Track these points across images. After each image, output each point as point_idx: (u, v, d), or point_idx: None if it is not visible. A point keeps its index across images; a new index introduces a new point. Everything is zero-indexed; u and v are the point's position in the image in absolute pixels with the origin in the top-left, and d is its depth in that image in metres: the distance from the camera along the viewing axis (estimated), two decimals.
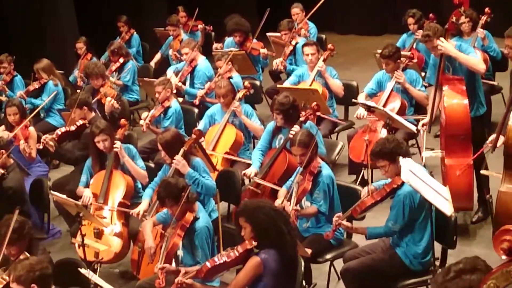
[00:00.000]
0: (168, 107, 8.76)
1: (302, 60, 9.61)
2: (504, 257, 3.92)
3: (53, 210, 7.83)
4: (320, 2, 11.16)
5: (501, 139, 6.43)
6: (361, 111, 8.24)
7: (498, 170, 6.46)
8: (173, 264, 5.90)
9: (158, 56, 12.42)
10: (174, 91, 9.31)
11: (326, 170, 6.41)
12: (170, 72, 10.41)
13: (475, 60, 7.26)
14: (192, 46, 10.06)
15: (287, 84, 9.32)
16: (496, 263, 4.21)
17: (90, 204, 7.21)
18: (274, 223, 5.12)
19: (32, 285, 4.90)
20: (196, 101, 9.52)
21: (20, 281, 4.92)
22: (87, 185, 7.46)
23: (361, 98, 8.54)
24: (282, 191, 6.75)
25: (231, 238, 5.88)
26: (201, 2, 12.73)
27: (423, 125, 7.57)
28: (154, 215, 6.60)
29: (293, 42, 10.54)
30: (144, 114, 8.97)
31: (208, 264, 5.21)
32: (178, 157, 6.82)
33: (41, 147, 8.08)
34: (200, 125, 8.55)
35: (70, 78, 11.61)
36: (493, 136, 6.59)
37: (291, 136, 7.14)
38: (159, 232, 6.37)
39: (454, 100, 6.97)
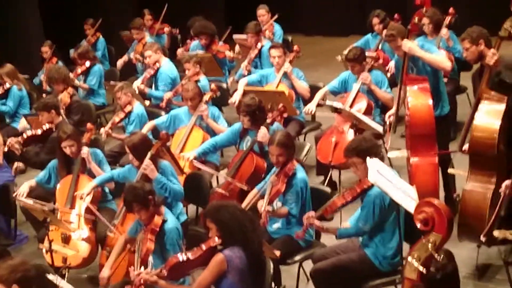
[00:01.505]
0: (130, 112, 8.73)
1: (268, 63, 9.62)
2: (419, 225, 4.07)
3: (20, 216, 7.77)
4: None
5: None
6: (310, 107, 8.31)
7: (464, 169, 6.53)
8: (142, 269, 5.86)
9: (123, 58, 12.34)
10: (137, 92, 9.30)
11: (301, 173, 6.42)
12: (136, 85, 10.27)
13: (440, 58, 7.34)
14: (154, 49, 10.02)
15: (245, 80, 9.37)
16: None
17: (56, 210, 7.17)
18: (238, 221, 5.13)
19: (14, 285, 4.86)
20: (163, 104, 9.51)
21: (1, 280, 4.89)
22: (42, 182, 7.46)
23: (318, 94, 8.60)
24: (253, 192, 6.76)
25: (200, 241, 5.86)
26: (167, 5, 12.70)
27: (389, 116, 7.70)
28: (124, 221, 6.59)
29: (259, 45, 10.54)
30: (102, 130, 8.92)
31: (171, 260, 5.20)
32: (147, 162, 6.80)
33: (6, 149, 8.01)
34: (158, 120, 8.57)
35: (35, 82, 11.53)
36: (466, 146, 6.65)
37: (258, 139, 7.17)
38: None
39: (418, 100, 7.02)
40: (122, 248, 6.33)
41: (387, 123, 7.75)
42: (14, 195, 7.26)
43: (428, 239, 3.95)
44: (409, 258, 3.94)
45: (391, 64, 9.20)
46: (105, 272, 6.17)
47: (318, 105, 8.48)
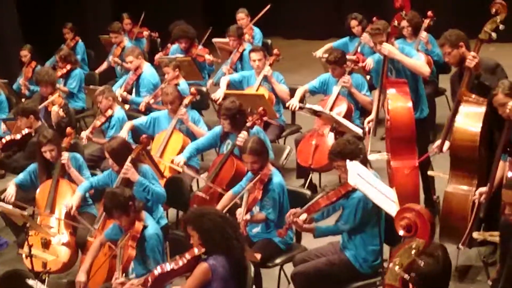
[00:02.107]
0: (111, 116, 8.70)
1: (249, 67, 9.62)
2: (402, 232, 4.06)
3: None
4: (265, 9, 11.21)
5: (447, 144, 6.54)
6: (293, 102, 8.35)
7: (444, 170, 6.56)
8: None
9: (104, 65, 12.30)
10: (120, 99, 9.27)
11: (277, 178, 6.41)
12: (116, 89, 10.20)
13: (419, 63, 7.37)
14: (136, 54, 10.00)
15: (226, 79, 9.38)
16: None
17: (36, 214, 7.13)
18: (220, 229, 5.13)
19: None
20: (142, 108, 9.49)
21: None
22: (22, 184, 7.41)
23: (299, 92, 8.63)
24: (228, 195, 6.75)
25: (180, 245, 5.86)
26: (146, 9, 12.68)
27: (368, 122, 7.72)
28: (103, 226, 6.56)
29: (240, 49, 10.54)
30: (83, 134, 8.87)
31: (155, 271, 5.20)
32: (127, 166, 6.78)
33: None
34: (138, 120, 8.55)
35: (14, 86, 11.47)
36: (438, 142, 6.70)
37: (238, 142, 7.16)
38: (107, 247, 6.33)
39: (398, 103, 7.06)
40: (97, 250, 6.31)
41: (366, 128, 7.77)
42: (2, 197, 7.19)
43: (411, 245, 3.94)
44: (391, 265, 3.93)
45: (368, 61, 9.22)
46: (81, 277, 6.14)
47: (299, 108, 8.48)
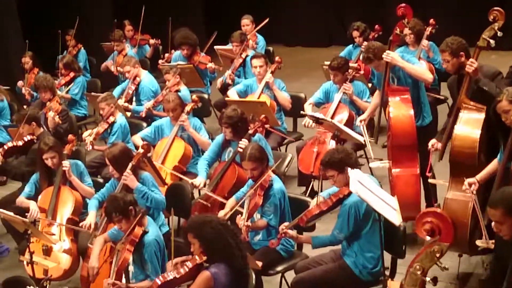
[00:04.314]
0: (113, 123, 8.70)
1: (252, 73, 9.64)
2: (428, 238, 4.04)
3: (1, 228, 7.72)
4: (264, 22, 11.23)
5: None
6: (308, 120, 8.32)
7: (445, 178, 6.56)
8: (123, 280, 5.85)
9: (107, 63, 12.30)
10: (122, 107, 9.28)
11: (278, 184, 6.43)
12: (116, 93, 10.21)
13: (422, 70, 7.39)
14: (132, 63, 9.97)
15: (234, 91, 9.36)
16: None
17: (38, 220, 7.13)
18: (221, 237, 5.15)
19: None
20: (143, 114, 9.50)
21: None
22: (30, 197, 7.38)
23: (307, 107, 8.62)
24: (231, 201, 6.76)
25: (180, 253, 5.86)
26: (149, 16, 12.70)
27: (360, 121, 7.87)
28: (105, 232, 6.55)
29: (243, 55, 10.57)
30: (86, 134, 8.86)
31: (158, 280, 5.21)
32: (127, 172, 6.78)
33: None
34: (143, 132, 8.56)
35: (17, 90, 11.48)
36: (433, 141, 6.72)
37: (240, 150, 7.16)
38: (108, 247, 6.33)
39: (399, 111, 7.07)
40: (103, 244, 6.32)
41: (360, 127, 7.83)
42: (29, 216, 7.16)
43: (433, 249, 3.90)
44: (411, 269, 3.89)
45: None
46: (94, 262, 6.15)
47: (300, 115, 8.48)
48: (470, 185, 5.99)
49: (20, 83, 11.38)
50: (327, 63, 8.89)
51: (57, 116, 9.02)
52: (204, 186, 7.45)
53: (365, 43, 10.02)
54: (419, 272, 3.87)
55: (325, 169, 5.94)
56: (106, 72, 12.32)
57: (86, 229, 6.88)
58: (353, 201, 5.72)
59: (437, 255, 3.87)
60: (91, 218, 6.93)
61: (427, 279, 3.86)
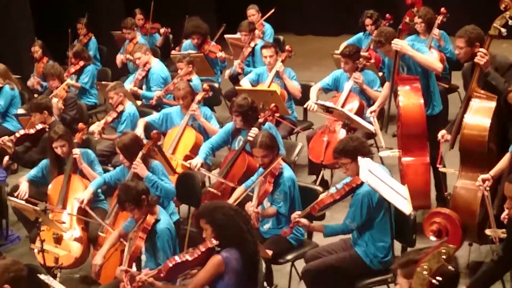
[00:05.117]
0: (122, 111, 8.72)
1: (261, 62, 9.64)
2: (433, 238, 4.01)
3: (12, 216, 7.76)
4: (271, 12, 11.22)
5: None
6: (311, 103, 8.33)
7: (455, 167, 6.55)
8: (134, 268, 5.87)
9: (121, 57, 12.29)
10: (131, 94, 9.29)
11: (288, 172, 6.43)
12: (127, 85, 10.22)
13: (432, 59, 7.36)
14: (143, 50, 10.01)
15: (246, 80, 9.36)
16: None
17: (48, 210, 7.16)
18: (233, 222, 5.16)
19: (5, 285, 4.83)
20: (153, 101, 9.53)
21: None
22: (33, 181, 7.45)
23: (313, 91, 8.61)
24: (240, 189, 6.78)
25: (191, 240, 5.87)
26: (159, 5, 12.69)
27: (370, 112, 7.86)
28: (115, 219, 6.59)
29: (252, 44, 10.56)
30: (93, 126, 8.89)
31: (169, 263, 5.22)
32: (137, 161, 6.80)
33: None
34: (150, 117, 8.58)
35: (28, 83, 11.50)
36: (443, 132, 6.70)
37: (250, 138, 7.16)
38: (119, 249, 6.37)
39: (409, 100, 7.05)
40: (116, 240, 6.34)
41: (371, 119, 7.82)
42: (16, 194, 7.23)
43: (440, 250, 3.89)
44: (418, 269, 3.88)
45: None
46: (97, 260, 6.19)
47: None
48: (484, 181, 5.95)
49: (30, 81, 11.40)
50: (338, 52, 8.86)
51: (60, 102, 9.04)
52: (202, 167, 7.46)
53: (375, 32, 10.01)
54: (425, 273, 3.87)
55: (338, 157, 5.94)
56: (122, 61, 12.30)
57: (79, 203, 6.93)
58: (365, 191, 5.72)
59: (444, 257, 3.86)
60: (87, 193, 6.99)
61: (435, 281, 3.86)
